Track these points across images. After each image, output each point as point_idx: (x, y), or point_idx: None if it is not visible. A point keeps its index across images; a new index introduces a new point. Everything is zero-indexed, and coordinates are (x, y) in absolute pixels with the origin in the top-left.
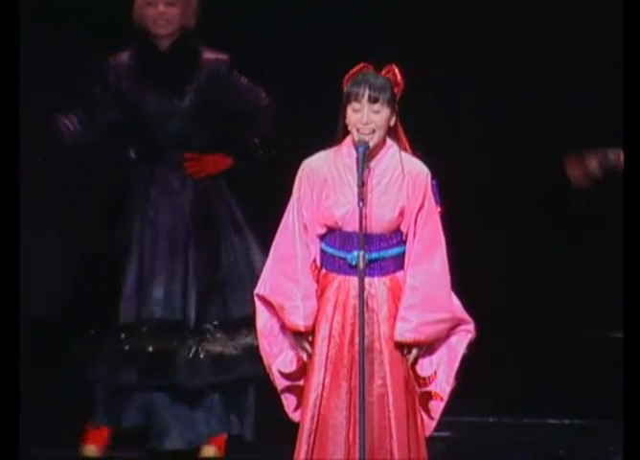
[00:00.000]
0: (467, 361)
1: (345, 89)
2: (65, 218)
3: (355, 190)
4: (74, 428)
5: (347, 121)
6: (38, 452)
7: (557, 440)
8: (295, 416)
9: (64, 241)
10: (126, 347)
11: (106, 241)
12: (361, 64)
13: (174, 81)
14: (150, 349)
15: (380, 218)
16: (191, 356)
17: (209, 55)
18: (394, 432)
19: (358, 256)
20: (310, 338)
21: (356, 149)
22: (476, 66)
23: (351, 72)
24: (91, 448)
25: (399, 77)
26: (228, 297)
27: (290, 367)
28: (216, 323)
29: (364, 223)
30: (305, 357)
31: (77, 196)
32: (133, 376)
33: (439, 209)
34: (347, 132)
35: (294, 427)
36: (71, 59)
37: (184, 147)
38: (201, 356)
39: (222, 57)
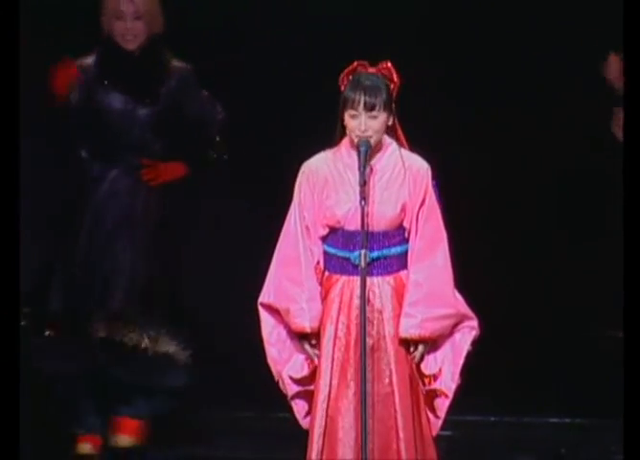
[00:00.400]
0: (468, 360)
1: (342, 91)
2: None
3: (356, 188)
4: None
5: (345, 124)
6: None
7: (558, 439)
8: (305, 423)
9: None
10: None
11: (56, 237)
12: (355, 63)
13: (140, 87)
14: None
15: (383, 215)
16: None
17: (176, 63)
18: (401, 431)
19: (361, 254)
20: (314, 342)
21: (358, 148)
22: (475, 64)
23: (346, 71)
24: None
25: (394, 73)
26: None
27: (301, 372)
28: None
29: (366, 221)
30: (316, 361)
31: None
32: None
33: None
34: (345, 133)
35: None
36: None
37: (144, 152)
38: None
39: (188, 66)
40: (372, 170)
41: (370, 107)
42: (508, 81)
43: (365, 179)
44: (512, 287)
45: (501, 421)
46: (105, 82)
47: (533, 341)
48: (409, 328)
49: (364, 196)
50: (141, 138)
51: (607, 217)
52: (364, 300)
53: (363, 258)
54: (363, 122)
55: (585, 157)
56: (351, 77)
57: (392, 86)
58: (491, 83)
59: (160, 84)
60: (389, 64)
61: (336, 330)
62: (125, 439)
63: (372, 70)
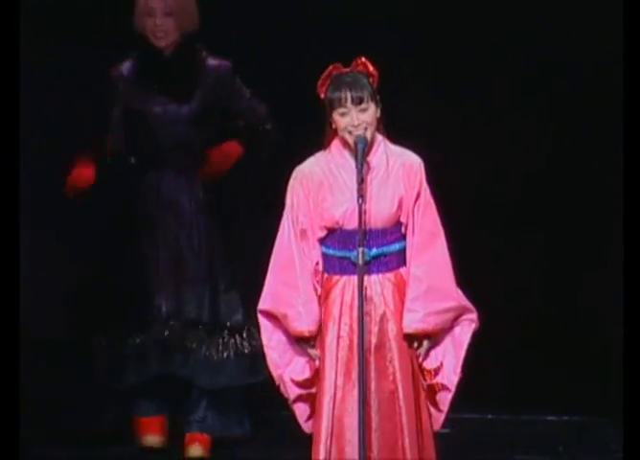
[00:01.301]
0: (466, 358)
1: (323, 95)
2: (72, 226)
3: (352, 188)
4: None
5: (335, 125)
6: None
7: (555, 437)
8: (307, 426)
9: (71, 249)
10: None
11: (116, 247)
12: (330, 67)
13: (178, 88)
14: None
15: (380, 212)
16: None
17: (212, 61)
18: (405, 428)
19: (359, 253)
20: (313, 343)
21: (355, 146)
22: (466, 60)
23: (322, 77)
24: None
25: (370, 67)
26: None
27: (303, 374)
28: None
29: (364, 219)
30: (317, 363)
31: (81, 206)
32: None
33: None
34: (334, 136)
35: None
36: (74, 67)
37: (188, 151)
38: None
39: (225, 62)
40: (368, 166)
41: (358, 101)
42: (502, 78)
43: (363, 177)
44: (510, 284)
45: (499, 418)
46: (142, 84)
47: (531, 339)
48: (412, 323)
49: (362, 194)
50: (183, 138)
51: (607, 212)
52: (362, 297)
53: (361, 256)
54: (355, 116)
55: (583, 152)
56: (329, 81)
57: (372, 79)
58: (484, 80)
59: (195, 82)
60: (363, 59)
61: (339, 330)
62: (197, 449)
63: (347, 70)
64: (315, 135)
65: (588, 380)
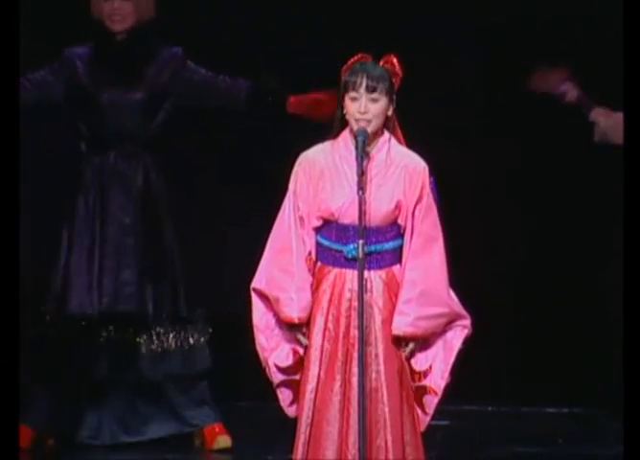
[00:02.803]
0: (466, 351)
1: (343, 79)
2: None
3: (352, 182)
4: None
5: (345, 110)
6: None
7: (555, 429)
8: (290, 411)
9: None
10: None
11: (57, 232)
12: (359, 55)
13: (129, 74)
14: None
15: (377, 211)
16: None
17: (164, 48)
18: (388, 426)
19: (357, 247)
20: (305, 330)
21: (355, 137)
22: (478, 61)
23: (349, 62)
24: None
25: (397, 67)
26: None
27: (287, 361)
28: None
29: (363, 210)
30: (301, 351)
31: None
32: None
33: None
34: (344, 125)
35: None
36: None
37: (136, 138)
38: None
39: (176, 49)
40: (370, 159)
41: (371, 89)
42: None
43: (363, 170)
44: (509, 277)
45: (499, 411)
46: (94, 68)
47: (530, 332)
48: (402, 325)
49: (362, 186)
50: (131, 124)
51: (606, 211)
52: (362, 290)
53: (361, 249)
54: (364, 104)
55: (583, 155)
56: (353, 66)
57: (394, 79)
58: (489, 81)
59: (146, 69)
60: (393, 57)
61: (326, 321)
62: (226, 440)
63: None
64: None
65: (587, 373)
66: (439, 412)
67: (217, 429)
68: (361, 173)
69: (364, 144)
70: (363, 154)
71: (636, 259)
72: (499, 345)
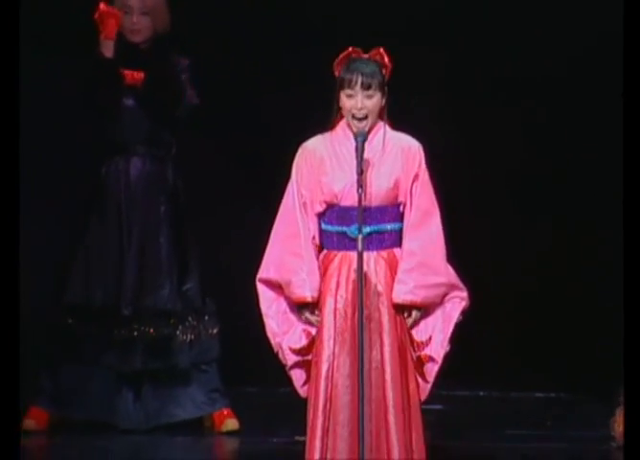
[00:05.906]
0: (457, 337)
1: (337, 74)
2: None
3: (352, 165)
4: None
5: (341, 105)
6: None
7: (543, 413)
8: (303, 391)
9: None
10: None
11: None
12: (349, 49)
13: (149, 81)
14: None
15: (378, 190)
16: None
17: (179, 58)
18: (389, 398)
19: (358, 228)
20: (314, 310)
21: (355, 138)
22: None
23: (340, 57)
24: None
25: (386, 59)
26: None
27: (300, 342)
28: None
29: (362, 196)
30: (313, 331)
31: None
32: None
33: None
34: (341, 115)
35: None
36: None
37: (158, 142)
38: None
39: (183, 60)
40: (366, 149)
41: (366, 87)
42: (502, 69)
43: (362, 168)
44: (500, 263)
45: (490, 395)
46: (115, 76)
47: (521, 317)
48: (402, 293)
49: (361, 185)
50: (146, 128)
51: (606, 195)
52: (361, 271)
53: (360, 240)
54: (360, 100)
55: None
56: (346, 61)
57: (385, 70)
58: (484, 71)
59: (165, 77)
60: (381, 50)
61: (336, 302)
62: (234, 422)
63: (365, 56)
64: (312, 119)
65: (575, 360)
66: (432, 397)
67: (225, 413)
68: (361, 172)
69: (363, 145)
70: (363, 155)
71: (630, 247)
72: (490, 331)
